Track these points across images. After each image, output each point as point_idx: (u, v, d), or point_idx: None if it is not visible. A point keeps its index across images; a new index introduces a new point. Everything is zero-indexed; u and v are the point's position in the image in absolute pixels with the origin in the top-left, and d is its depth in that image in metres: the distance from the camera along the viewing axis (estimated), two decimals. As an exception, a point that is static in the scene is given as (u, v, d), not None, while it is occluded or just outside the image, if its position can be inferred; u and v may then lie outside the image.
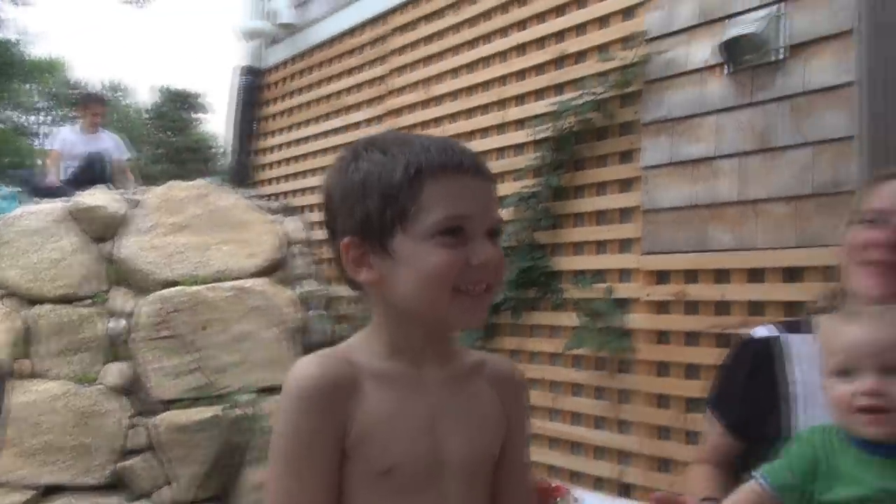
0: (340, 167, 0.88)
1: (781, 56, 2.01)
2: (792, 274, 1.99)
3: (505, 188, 2.83)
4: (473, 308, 0.83)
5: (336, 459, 0.82)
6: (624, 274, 2.42)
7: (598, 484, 2.35)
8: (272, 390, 3.05)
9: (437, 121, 3.23)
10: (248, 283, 3.39)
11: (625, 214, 2.44)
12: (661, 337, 2.27)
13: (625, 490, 2.29)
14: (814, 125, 1.95)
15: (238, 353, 3.21)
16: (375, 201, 0.83)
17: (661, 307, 2.28)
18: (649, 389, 2.27)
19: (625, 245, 2.43)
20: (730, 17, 2.13)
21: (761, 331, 1.30)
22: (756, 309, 2.04)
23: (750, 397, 1.23)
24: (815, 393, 1.12)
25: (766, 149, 2.05)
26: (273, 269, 3.57)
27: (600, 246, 2.52)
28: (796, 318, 1.37)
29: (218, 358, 3.19)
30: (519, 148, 2.86)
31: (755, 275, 2.07)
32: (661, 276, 2.29)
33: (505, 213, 2.81)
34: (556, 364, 2.62)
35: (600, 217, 2.52)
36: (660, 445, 2.22)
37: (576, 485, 2.16)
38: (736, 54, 2.06)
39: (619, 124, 2.48)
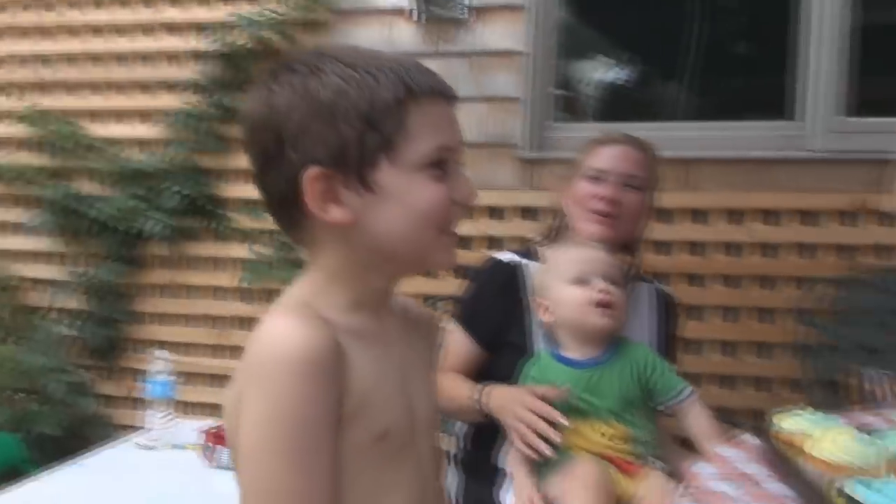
0: (293, 83, 0.70)
1: (466, 15, 2.20)
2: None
3: (156, 102, 2.51)
4: (451, 247, 0.77)
5: (335, 439, 0.68)
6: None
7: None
8: None
9: (49, 6, 2.63)
10: None
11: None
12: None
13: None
14: (489, 83, 2.22)
15: None
16: (355, 126, 0.69)
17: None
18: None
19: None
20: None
21: (505, 255, 1.53)
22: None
23: (498, 311, 1.43)
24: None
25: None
26: None
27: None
28: (525, 247, 1.60)
29: None
30: (173, 58, 2.54)
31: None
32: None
33: (156, 131, 2.50)
34: (221, 299, 2.48)
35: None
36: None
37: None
38: (428, 4, 2.19)
39: (301, 48, 2.40)
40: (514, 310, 1.43)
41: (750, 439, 0.85)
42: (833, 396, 1.91)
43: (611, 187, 1.45)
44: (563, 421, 1.23)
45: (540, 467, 1.29)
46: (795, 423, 0.75)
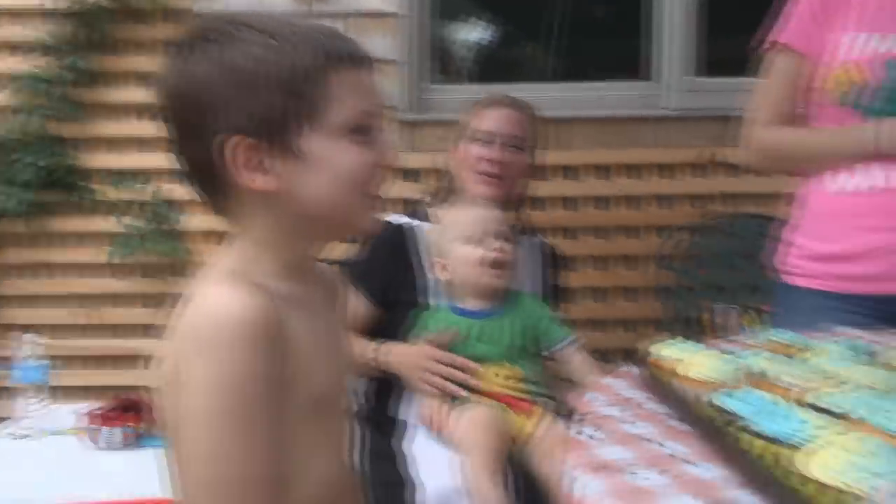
0: (210, 53, 0.69)
1: (339, -26, 2.17)
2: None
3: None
4: (374, 211, 0.78)
5: (279, 402, 0.68)
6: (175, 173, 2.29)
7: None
8: None
9: None
10: None
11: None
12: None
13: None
14: (366, 45, 2.20)
15: None
16: (276, 94, 0.69)
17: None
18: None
19: (174, 144, 2.29)
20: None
21: (394, 217, 1.55)
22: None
23: (390, 271, 1.48)
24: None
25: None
26: None
27: (143, 143, 2.30)
28: (413, 208, 1.63)
29: None
30: (17, 16, 2.32)
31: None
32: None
33: (2, 98, 2.29)
34: (90, 276, 2.34)
35: (143, 111, 2.30)
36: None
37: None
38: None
39: (165, 9, 2.26)
40: (406, 269, 1.48)
41: (629, 369, 0.95)
42: (691, 331, 2.12)
43: (498, 149, 1.52)
44: (473, 364, 1.32)
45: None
46: (669, 350, 0.85)
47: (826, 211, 1.33)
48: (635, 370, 0.93)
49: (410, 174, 2.24)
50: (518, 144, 1.55)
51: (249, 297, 0.67)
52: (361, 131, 0.73)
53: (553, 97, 2.27)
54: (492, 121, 1.54)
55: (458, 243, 1.40)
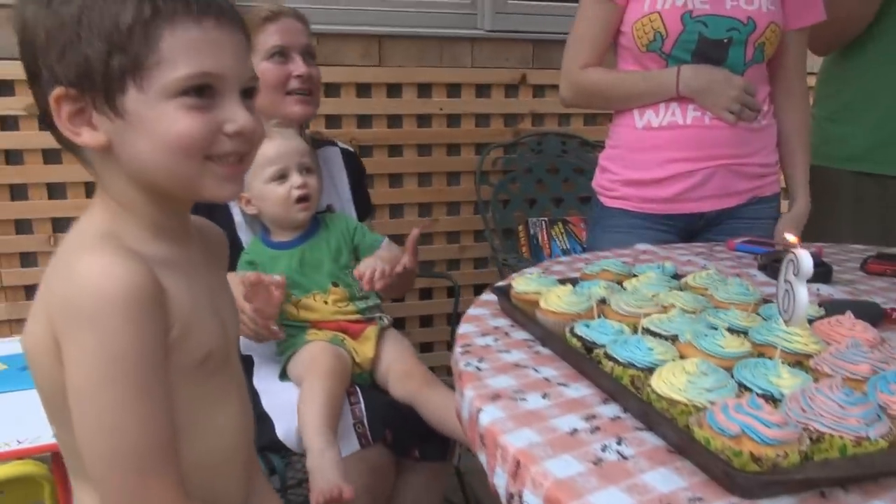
0: None
1: None
2: None
3: None
4: (229, 178, 0.73)
5: (166, 366, 0.69)
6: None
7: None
8: None
9: None
10: None
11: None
12: (11, 156, 2.02)
13: (-15, 329, 2.07)
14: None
15: None
16: (98, 46, 0.66)
17: (7, 123, 2.00)
18: (3, 216, 2.04)
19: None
20: None
21: None
22: None
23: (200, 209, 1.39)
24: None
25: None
26: None
27: None
28: None
29: None
30: None
31: None
32: (1, 87, 1.99)
33: None
34: None
35: None
36: (24, 274, 2.07)
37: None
38: None
39: None
40: (214, 207, 1.40)
41: (487, 298, 1.08)
42: (507, 242, 2.35)
43: (302, 63, 1.46)
44: (277, 277, 1.29)
45: (284, 350, 1.42)
46: (527, 284, 0.99)
47: (634, 143, 1.55)
48: (494, 299, 1.05)
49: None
50: (311, 53, 1.50)
51: (125, 265, 0.66)
52: (198, 93, 0.68)
53: (375, 12, 2.26)
54: (285, 35, 1.45)
55: (261, 181, 1.37)
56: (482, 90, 2.38)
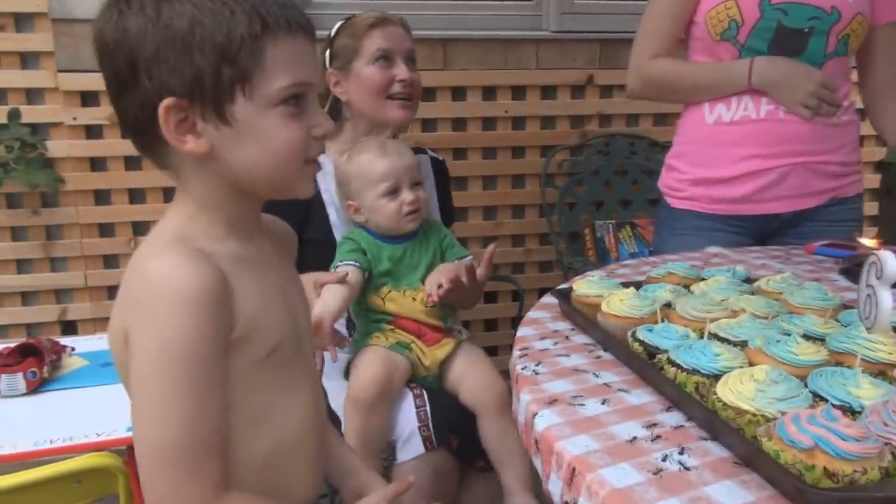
0: (145, 8, 0.68)
1: None
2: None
3: None
4: (313, 177, 0.80)
5: (224, 364, 0.72)
6: (34, 94, 2.08)
7: (37, 329, 2.15)
8: None
9: None
10: None
11: (24, 22, 2.05)
12: (96, 163, 2.13)
13: (71, 328, 2.18)
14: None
15: None
16: (210, 58, 0.69)
17: (92, 132, 2.12)
18: (88, 220, 2.15)
19: (30, 60, 2.07)
20: None
21: None
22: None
23: (295, 209, 1.39)
24: (339, 201, 1.46)
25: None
26: None
27: (-8, 59, 2.06)
28: None
29: None
30: None
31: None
32: (87, 97, 2.09)
33: None
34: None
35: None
36: (107, 275, 2.17)
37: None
38: None
39: None
40: (311, 206, 1.45)
41: (548, 301, 1.06)
42: (573, 245, 2.30)
43: (403, 68, 1.48)
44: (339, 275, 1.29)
45: (352, 347, 1.43)
46: (589, 287, 0.96)
47: (704, 139, 1.49)
48: (555, 302, 1.03)
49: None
50: (414, 58, 1.51)
51: (192, 266, 0.69)
52: (294, 102, 0.74)
53: (439, 16, 2.27)
54: (390, 40, 1.48)
55: (373, 193, 1.39)
56: (548, 92, 2.35)
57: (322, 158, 1.51)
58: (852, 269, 1.17)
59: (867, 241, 0.78)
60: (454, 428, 1.34)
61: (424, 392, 1.37)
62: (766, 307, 0.89)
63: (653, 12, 1.51)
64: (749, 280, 1.04)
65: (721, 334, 0.80)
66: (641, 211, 2.33)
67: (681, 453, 0.63)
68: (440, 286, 1.32)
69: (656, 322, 0.84)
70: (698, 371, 0.71)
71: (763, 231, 1.51)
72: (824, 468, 0.54)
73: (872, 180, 1.99)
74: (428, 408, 1.34)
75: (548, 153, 2.32)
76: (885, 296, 0.72)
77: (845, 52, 1.43)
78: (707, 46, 1.46)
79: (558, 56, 2.34)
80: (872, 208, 1.87)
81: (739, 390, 0.65)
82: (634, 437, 0.66)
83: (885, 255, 0.72)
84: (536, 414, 0.72)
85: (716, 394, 0.66)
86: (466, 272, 1.35)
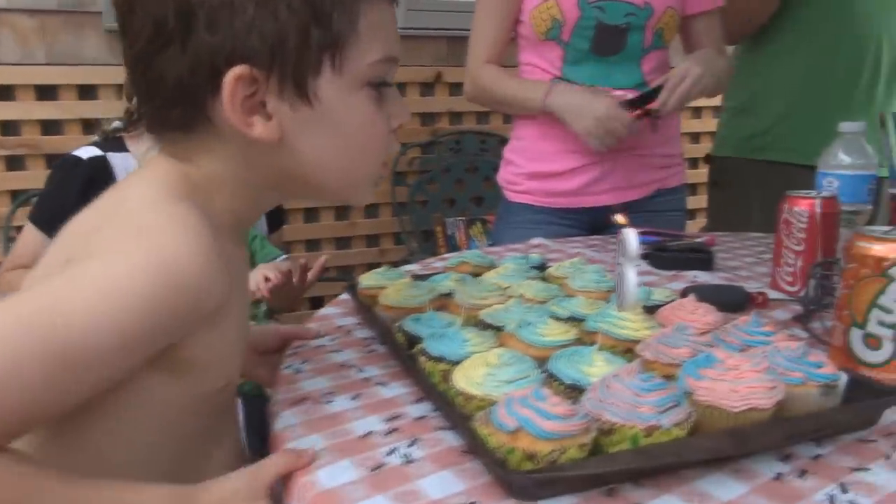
0: None
1: None
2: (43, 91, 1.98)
3: None
4: (378, 182, 0.65)
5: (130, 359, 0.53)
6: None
7: None
8: None
9: None
10: None
11: None
12: None
13: None
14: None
15: None
16: (300, 14, 0.53)
17: None
18: None
19: None
20: None
21: (87, 151, 1.40)
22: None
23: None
24: None
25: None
26: None
27: None
28: (105, 136, 1.47)
29: None
30: None
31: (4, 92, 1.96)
32: None
33: None
34: None
35: None
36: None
37: None
38: None
39: None
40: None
41: (346, 297, 1.01)
42: (426, 243, 2.29)
43: None
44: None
45: None
46: (373, 280, 0.93)
47: (535, 134, 1.50)
48: (349, 297, 0.99)
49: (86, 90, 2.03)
50: None
51: (200, 249, 0.53)
52: (381, 84, 0.59)
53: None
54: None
55: None
56: (398, 89, 2.32)
57: (117, 157, 1.39)
58: (652, 255, 1.20)
59: (619, 219, 0.78)
60: None
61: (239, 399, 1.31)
62: (544, 292, 0.88)
63: (480, 13, 1.50)
64: (542, 267, 1.04)
65: (487, 320, 0.78)
66: (493, 207, 2.33)
67: (410, 445, 0.60)
68: (267, 279, 1.29)
69: (424, 311, 0.81)
70: (444, 358, 0.68)
71: (594, 223, 1.53)
72: (524, 450, 0.52)
73: (702, 174, 2.09)
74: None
75: (399, 151, 2.29)
76: (629, 273, 0.72)
77: (662, 45, 1.47)
78: (534, 45, 1.46)
79: (406, 53, 2.32)
80: (702, 201, 1.96)
81: (470, 375, 0.62)
82: (370, 432, 0.63)
83: (628, 232, 0.72)
84: (279, 414, 0.67)
85: (452, 380, 0.64)
86: (301, 271, 1.32)
